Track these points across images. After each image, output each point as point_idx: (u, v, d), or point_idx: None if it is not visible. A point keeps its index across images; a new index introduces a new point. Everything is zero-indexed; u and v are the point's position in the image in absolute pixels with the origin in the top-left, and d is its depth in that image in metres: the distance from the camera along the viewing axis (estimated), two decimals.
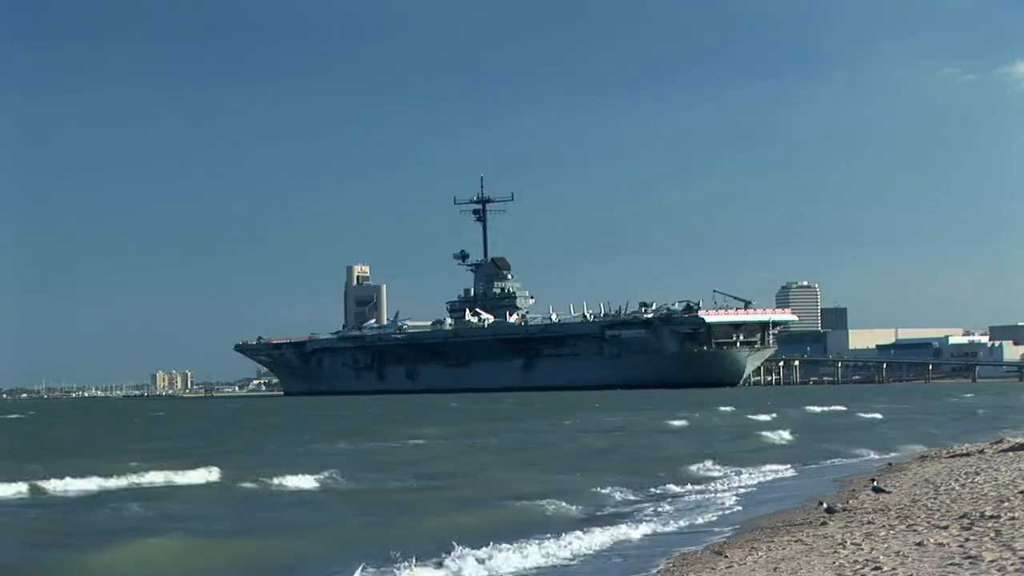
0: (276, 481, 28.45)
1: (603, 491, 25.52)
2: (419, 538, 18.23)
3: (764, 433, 46.05)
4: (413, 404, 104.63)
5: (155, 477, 29.58)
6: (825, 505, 19.58)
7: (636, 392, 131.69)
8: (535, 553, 17.11)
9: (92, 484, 28.34)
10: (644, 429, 53.69)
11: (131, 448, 43.32)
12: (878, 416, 63.82)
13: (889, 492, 21.50)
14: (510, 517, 21.66)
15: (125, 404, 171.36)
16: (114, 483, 28.66)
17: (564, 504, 22.99)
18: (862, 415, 65.09)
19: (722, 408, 74.17)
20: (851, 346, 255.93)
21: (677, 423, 57.98)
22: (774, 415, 64.57)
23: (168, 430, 64.18)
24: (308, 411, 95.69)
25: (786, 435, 44.99)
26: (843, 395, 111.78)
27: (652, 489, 26.35)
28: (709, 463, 31.65)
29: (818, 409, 74.03)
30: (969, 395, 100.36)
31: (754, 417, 61.93)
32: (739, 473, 29.80)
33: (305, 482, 28.46)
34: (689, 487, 26.67)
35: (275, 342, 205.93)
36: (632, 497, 24.92)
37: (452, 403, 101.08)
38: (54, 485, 27.87)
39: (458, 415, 75.27)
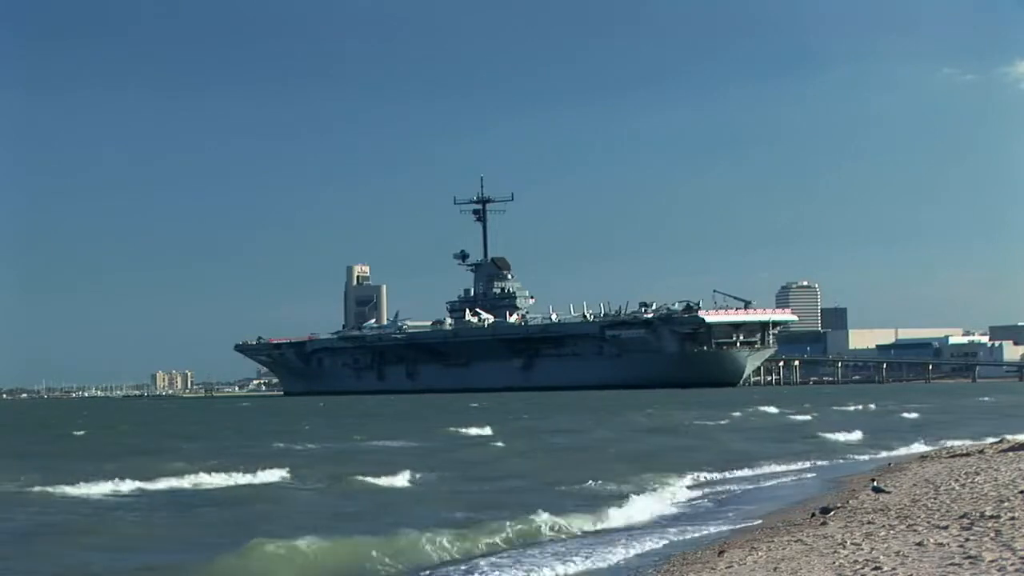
0: (369, 480, 28.47)
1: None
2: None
3: (830, 435, 44.74)
4: (437, 404, 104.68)
5: (226, 478, 29.31)
6: (821, 506, 19.61)
7: (636, 392, 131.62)
8: None
9: (166, 484, 28.23)
10: (703, 428, 54.33)
11: (194, 448, 42.92)
12: (915, 415, 63.48)
13: (889, 492, 21.50)
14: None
15: (138, 404, 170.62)
16: (194, 483, 28.51)
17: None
18: (906, 415, 64.03)
19: (763, 408, 73.95)
20: (851, 346, 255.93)
21: (725, 421, 59.41)
22: (816, 414, 65.10)
23: (205, 429, 63.41)
24: (326, 409, 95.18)
25: (855, 437, 44.51)
26: (859, 395, 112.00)
27: None
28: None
29: (851, 408, 74.59)
30: (986, 398, 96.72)
31: (796, 417, 62.33)
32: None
33: (398, 480, 28.56)
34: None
35: (275, 342, 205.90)
36: None
37: (472, 403, 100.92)
38: (142, 486, 27.87)
39: (492, 414, 74.03)
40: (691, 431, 51.91)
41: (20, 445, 48.22)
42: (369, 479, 28.72)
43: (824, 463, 33.69)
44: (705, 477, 29.63)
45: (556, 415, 71.31)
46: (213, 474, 29.74)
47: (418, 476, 29.40)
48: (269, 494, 26.43)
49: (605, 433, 50.23)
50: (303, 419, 75.21)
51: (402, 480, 28.68)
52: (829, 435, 44.77)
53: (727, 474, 30.59)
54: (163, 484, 28.27)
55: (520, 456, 37.71)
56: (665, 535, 19.01)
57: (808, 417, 62.59)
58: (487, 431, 51.49)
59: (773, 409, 72.93)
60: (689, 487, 27.10)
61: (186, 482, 28.73)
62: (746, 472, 31.14)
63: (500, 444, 42.63)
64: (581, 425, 58.19)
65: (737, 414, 66.82)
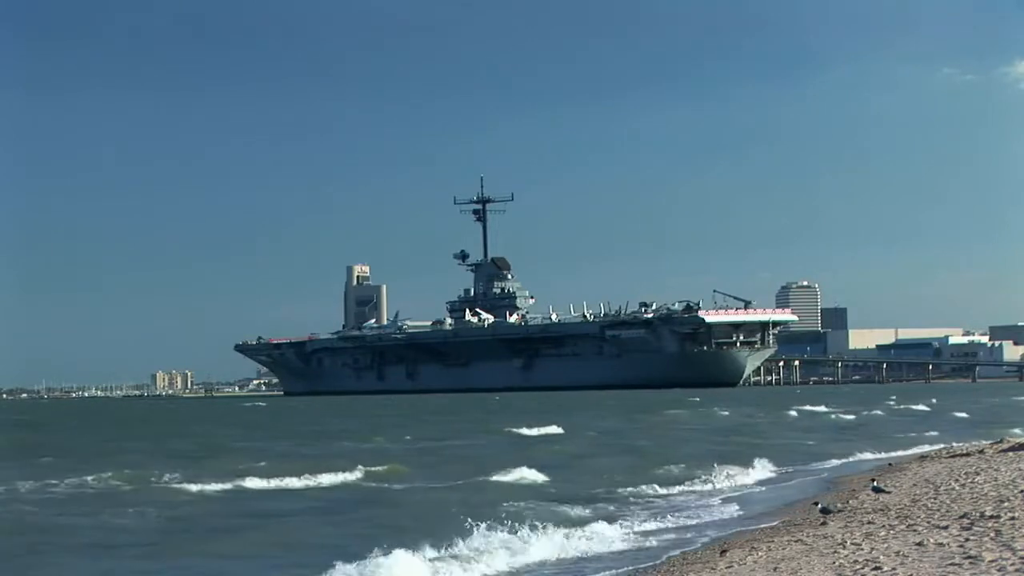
0: (496, 478, 28.58)
1: None
2: None
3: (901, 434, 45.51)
4: (468, 402, 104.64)
5: (335, 478, 29.16)
6: (820, 506, 19.63)
7: (637, 392, 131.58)
8: None
9: (254, 484, 28.16)
10: (772, 426, 55.34)
11: (250, 448, 42.41)
12: (965, 415, 63.79)
13: (889, 492, 21.53)
14: None
15: (156, 405, 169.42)
16: (274, 484, 28.34)
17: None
18: (957, 415, 64.47)
19: (814, 408, 73.98)
20: (851, 346, 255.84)
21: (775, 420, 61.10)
22: (864, 413, 65.84)
23: (283, 429, 62.05)
24: (348, 409, 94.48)
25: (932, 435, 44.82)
26: (865, 395, 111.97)
27: None
28: None
29: (894, 404, 75.29)
30: (996, 399, 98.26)
31: (846, 416, 62.93)
32: None
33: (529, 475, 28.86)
34: None
35: (275, 342, 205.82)
36: None
37: (495, 396, 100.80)
38: (250, 483, 28.04)
39: (532, 414, 73.30)
40: (760, 428, 53.34)
41: (146, 443, 48.04)
42: (495, 477, 28.74)
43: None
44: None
45: (587, 415, 69.61)
46: (331, 474, 29.78)
47: (541, 470, 29.72)
48: (404, 494, 26.30)
49: (680, 432, 49.98)
50: (350, 419, 73.96)
51: (533, 475, 29.11)
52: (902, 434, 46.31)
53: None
54: (291, 483, 28.41)
55: (613, 452, 38.39)
56: None
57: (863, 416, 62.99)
58: (555, 430, 51.49)
59: (823, 408, 74.00)
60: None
61: (304, 482, 28.64)
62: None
63: (572, 444, 42.62)
64: (633, 424, 59.18)
65: (793, 413, 67.22)
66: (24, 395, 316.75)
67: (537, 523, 19.09)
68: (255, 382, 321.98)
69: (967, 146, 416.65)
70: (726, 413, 68.99)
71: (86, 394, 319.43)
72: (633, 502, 24.41)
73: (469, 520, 18.89)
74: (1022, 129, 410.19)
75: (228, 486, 27.91)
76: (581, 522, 20.33)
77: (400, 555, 15.97)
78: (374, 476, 30.06)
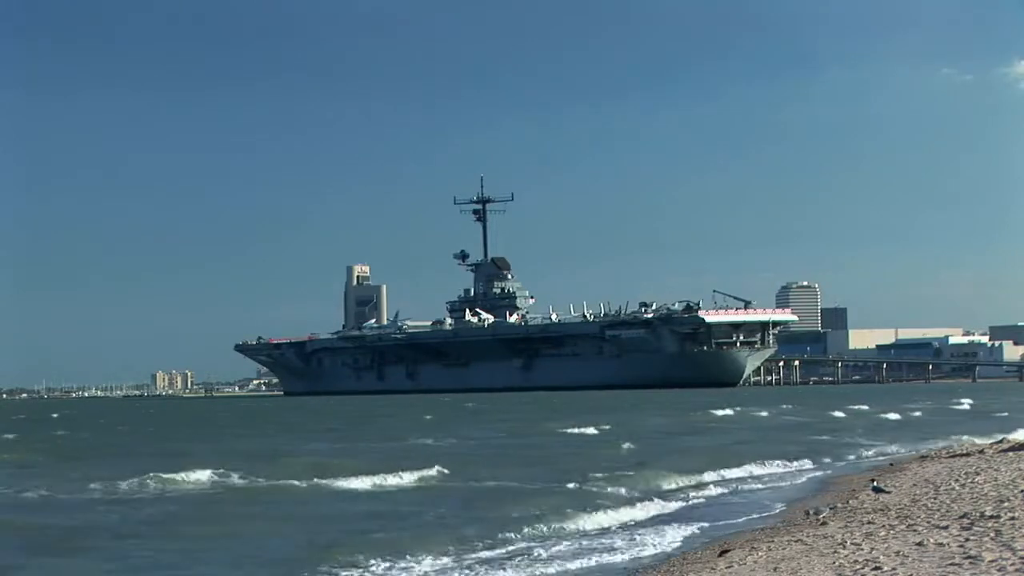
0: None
1: None
2: None
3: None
4: (494, 402, 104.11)
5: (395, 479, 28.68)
6: (814, 509, 19.65)
7: (637, 392, 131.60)
8: None
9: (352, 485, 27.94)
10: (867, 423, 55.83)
11: (328, 448, 41.87)
12: (1005, 413, 64.52)
13: (889, 492, 21.52)
14: None
15: (169, 404, 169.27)
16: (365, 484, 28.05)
17: None
18: (999, 414, 65.12)
19: (856, 407, 74.21)
20: (851, 346, 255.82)
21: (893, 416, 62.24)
22: (912, 413, 66.17)
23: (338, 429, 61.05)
24: (378, 409, 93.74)
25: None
26: (872, 395, 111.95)
27: None
28: None
29: (931, 404, 75.78)
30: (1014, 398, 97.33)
31: (889, 416, 63.19)
32: None
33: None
34: None
35: (275, 342, 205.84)
36: None
37: (525, 401, 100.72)
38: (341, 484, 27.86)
39: (561, 413, 73.18)
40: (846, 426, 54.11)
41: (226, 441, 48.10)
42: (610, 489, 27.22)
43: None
44: None
45: (619, 415, 68.49)
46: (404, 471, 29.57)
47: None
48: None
49: (742, 434, 49.47)
50: (384, 419, 73.48)
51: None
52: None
53: None
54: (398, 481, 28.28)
55: (670, 449, 39.03)
56: None
57: (898, 416, 63.28)
58: (596, 429, 51.72)
59: (864, 406, 74.65)
60: None
61: (394, 481, 28.39)
62: None
63: (628, 443, 42.61)
64: (690, 422, 59.59)
65: (840, 413, 67.07)
66: (24, 395, 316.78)
67: None
68: (255, 382, 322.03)
69: (966, 146, 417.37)
70: (764, 414, 68.09)
71: (86, 394, 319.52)
72: None
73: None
74: (1021, 129, 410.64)
75: (351, 484, 27.77)
76: None
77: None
78: (460, 475, 29.74)
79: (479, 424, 60.87)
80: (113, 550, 18.41)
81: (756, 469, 31.40)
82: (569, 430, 50.74)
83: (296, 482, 28.14)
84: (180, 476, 28.86)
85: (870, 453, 36.85)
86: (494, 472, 30.27)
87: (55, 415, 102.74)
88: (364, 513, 22.54)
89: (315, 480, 28.37)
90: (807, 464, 32.88)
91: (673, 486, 27.28)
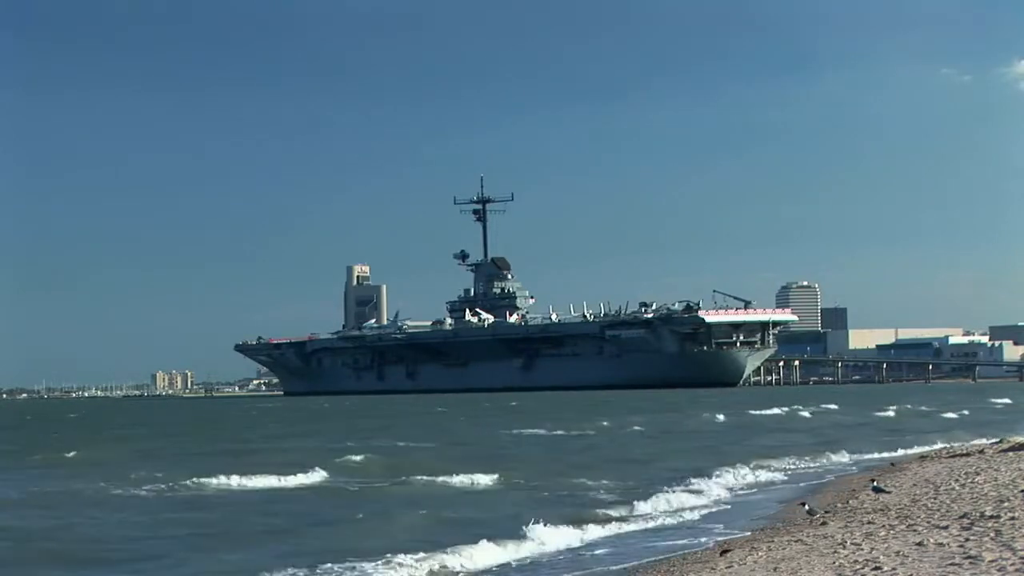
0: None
1: None
2: None
3: None
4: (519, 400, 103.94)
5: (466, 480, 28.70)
6: (807, 507, 19.65)
7: (637, 392, 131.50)
8: None
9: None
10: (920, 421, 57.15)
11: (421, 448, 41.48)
12: None
13: (889, 492, 21.53)
14: None
15: (177, 404, 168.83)
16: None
17: None
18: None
19: (896, 407, 74.47)
20: (851, 346, 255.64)
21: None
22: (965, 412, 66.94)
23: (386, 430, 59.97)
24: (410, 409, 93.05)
25: None
26: (876, 394, 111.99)
27: None
28: None
29: (972, 403, 77.58)
30: None
31: (948, 415, 63.89)
32: None
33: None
34: None
35: (275, 342, 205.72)
36: None
37: (565, 399, 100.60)
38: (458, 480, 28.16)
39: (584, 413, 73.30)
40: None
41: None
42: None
43: None
44: None
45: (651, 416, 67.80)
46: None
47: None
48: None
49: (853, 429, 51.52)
50: (407, 417, 73.37)
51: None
52: None
53: None
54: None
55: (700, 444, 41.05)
56: None
57: (955, 415, 63.91)
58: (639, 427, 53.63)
59: (907, 405, 75.57)
60: None
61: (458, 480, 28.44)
62: None
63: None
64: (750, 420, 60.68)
65: (891, 413, 67.45)
66: (24, 395, 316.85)
67: None
68: (255, 382, 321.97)
69: (966, 146, 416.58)
70: (807, 415, 67.41)
71: (86, 394, 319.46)
72: None
73: None
74: (1020, 129, 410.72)
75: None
76: None
77: None
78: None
79: (564, 419, 61.30)
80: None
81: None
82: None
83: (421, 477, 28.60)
84: (295, 478, 28.86)
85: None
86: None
87: (72, 415, 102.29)
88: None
89: (439, 478, 28.66)
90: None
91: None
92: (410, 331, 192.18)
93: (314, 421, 74.12)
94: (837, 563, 13.45)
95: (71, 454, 39.50)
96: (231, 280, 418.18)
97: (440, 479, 28.59)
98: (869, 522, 17.19)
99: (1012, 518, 15.65)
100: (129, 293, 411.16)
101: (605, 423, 57.74)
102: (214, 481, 28.30)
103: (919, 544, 14.14)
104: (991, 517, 15.98)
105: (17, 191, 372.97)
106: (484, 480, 28.35)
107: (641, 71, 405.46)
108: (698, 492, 25.35)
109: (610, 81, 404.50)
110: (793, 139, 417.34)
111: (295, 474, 29.44)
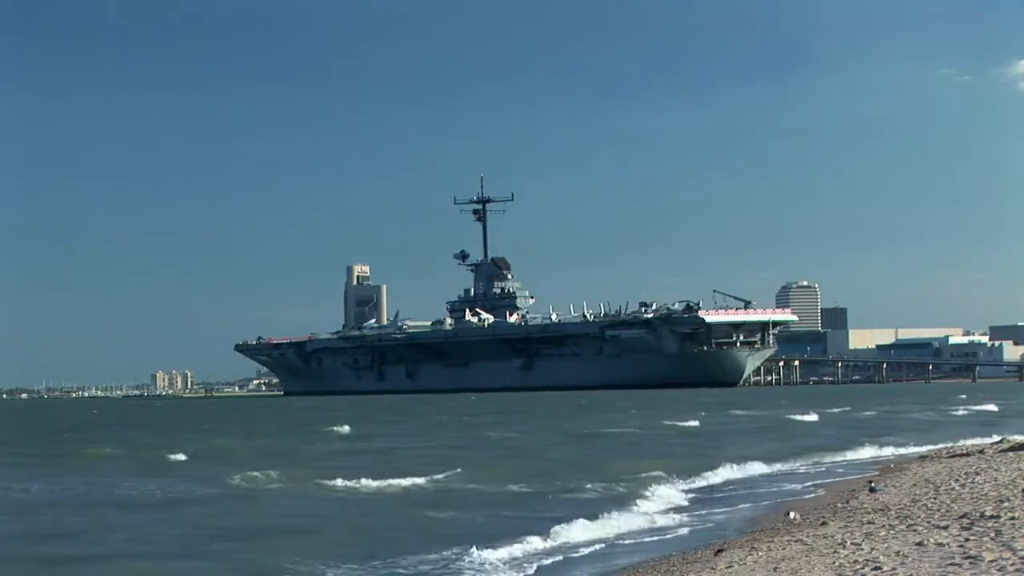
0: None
1: None
2: None
3: None
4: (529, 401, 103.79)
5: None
6: (792, 514, 19.61)
7: (637, 392, 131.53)
8: None
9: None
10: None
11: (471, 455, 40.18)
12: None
13: (889, 492, 21.52)
14: None
15: (180, 405, 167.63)
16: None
17: None
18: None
19: (980, 407, 74.28)
20: (851, 346, 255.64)
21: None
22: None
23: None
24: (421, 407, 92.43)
25: None
26: (879, 395, 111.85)
27: None
28: None
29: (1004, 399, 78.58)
30: None
31: (981, 407, 65.45)
32: None
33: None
34: None
35: (275, 342, 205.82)
36: None
37: (580, 399, 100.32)
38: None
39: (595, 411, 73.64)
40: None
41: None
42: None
43: None
44: None
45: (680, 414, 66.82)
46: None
47: None
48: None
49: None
50: (434, 416, 72.94)
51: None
52: None
53: None
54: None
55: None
56: None
57: (994, 407, 64.77)
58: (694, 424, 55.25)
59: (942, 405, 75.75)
60: None
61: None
62: None
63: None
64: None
65: (960, 411, 67.48)
66: (24, 395, 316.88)
67: None
68: (255, 382, 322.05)
69: (965, 146, 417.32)
70: (872, 413, 67.19)
71: (86, 394, 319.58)
72: None
73: None
74: (1019, 129, 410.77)
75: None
76: None
77: None
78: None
79: (592, 420, 61.31)
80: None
81: None
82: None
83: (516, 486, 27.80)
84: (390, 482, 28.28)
85: None
86: None
87: (95, 411, 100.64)
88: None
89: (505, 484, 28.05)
90: None
91: None
92: (410, 331, 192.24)
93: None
94: (837, 563, 13.44)
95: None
96: (231, 280, 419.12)
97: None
98: (869, 522, 17.19)
99: (1012, 518, 15.65)
100: (129, 293, 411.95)
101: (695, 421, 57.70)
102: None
103: (919, 544, 14.14)
104: (991, 517, 15.98)
105: (17, 191, 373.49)
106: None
107: (641, 71, 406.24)
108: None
109: (610, 81, 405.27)
110: (793, 139, 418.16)
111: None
